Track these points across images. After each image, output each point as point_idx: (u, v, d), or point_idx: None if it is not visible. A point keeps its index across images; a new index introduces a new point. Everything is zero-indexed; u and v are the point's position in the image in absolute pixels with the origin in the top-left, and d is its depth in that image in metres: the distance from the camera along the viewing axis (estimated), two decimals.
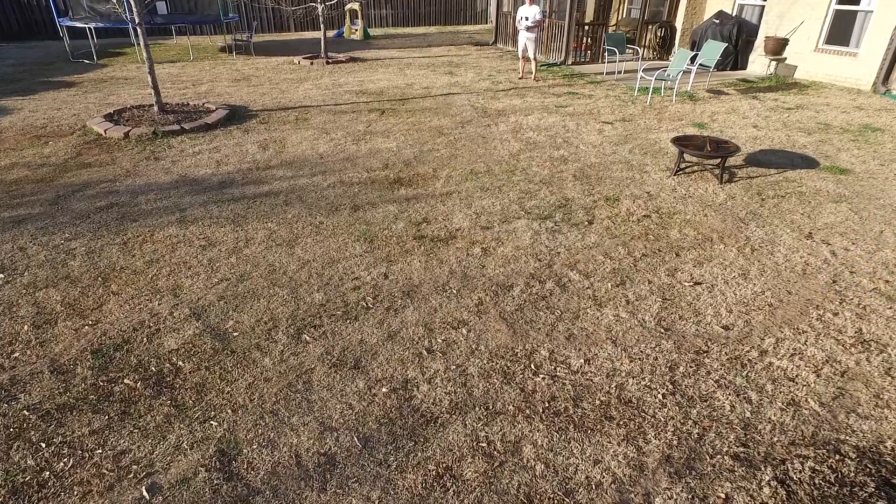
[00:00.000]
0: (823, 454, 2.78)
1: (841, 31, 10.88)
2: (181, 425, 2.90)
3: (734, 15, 12.76)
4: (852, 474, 2.68)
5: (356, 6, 18.28)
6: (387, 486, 2.59)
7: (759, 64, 12.22)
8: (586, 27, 14.01)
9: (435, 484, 2.61)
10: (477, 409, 3.05)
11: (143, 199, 5.65)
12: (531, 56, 11.33)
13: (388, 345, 3.55)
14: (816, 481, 2.64)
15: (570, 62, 13.42)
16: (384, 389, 3.18)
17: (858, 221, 5.27)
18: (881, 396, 3.15)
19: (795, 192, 5.92)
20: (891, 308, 3.94)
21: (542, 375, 3.30)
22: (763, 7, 12.22)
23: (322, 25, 13.35)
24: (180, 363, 3.35)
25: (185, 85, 10.96)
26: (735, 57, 12.48)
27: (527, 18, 10.84)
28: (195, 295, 4.03)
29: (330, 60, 13.45)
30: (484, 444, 2.82)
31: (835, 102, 9.67)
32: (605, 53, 12.40)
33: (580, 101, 9.89)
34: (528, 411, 3.04)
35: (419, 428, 2.92)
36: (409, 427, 2.92)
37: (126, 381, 3.20)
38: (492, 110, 9.20)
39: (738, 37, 12.24)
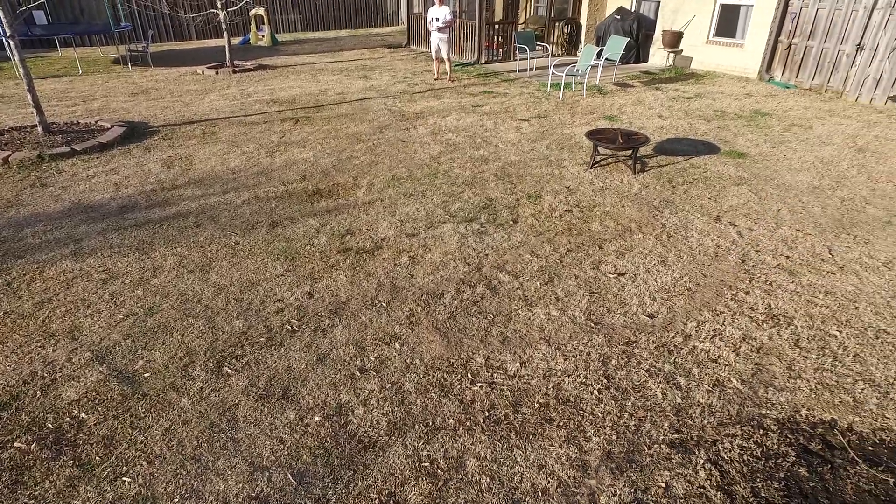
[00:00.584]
0: (749, 431, 2.90)
1: (728, 24, 11.66)
2: (88, 487, 2.59)
3: (633, 10, 13.37)
4: (775, 446, 2.81)
5: (261, 11, 17.60)
6: None
7: (659, 56, 12.89)
8: (496, 26, 14.23)
9: None
10: (416, 427, 2.94)
11: (30, 231, 5.10)
12: (445, 56, 11.34)
13: (317, 369, 3.37)
14: (745, 458, 2.74)
15: (483, 61, 13.57)
16: (317, 418, 3.01)
17: (758, 202, 5.62)
18: (793, 368, 3.34)
19: (702, 178, 6.25)
20: (793, 282, 4.21)
21: (479, 384, 3.24)
22: (659, 2, 12.89)
23: (226, 32, 12.72)
24: (83, 415, 3.01)
25: (75, 102, 10.08)
26: (637, 50, 13.09)
27: (438, 19, 10.84)
28: (97, 336, 3.65)
29: (237, 69, 12.85)
30: (427, 464, 2.73)
31: (728, 90, 10.35)
32: (517, 51, 12.63)
33: (496, 99, 9.99)
34: (468, 423, 2.97)
35: (357, 455, 2.78)
36: (347, 455, 2.77)
37: (17, 444, 2.83)
38: (410, 113, 9.10)
39: (639, 31, 12.84)
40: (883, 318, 3.78)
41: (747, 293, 4.08)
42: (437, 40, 11.15)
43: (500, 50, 14.13)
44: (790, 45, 10.35)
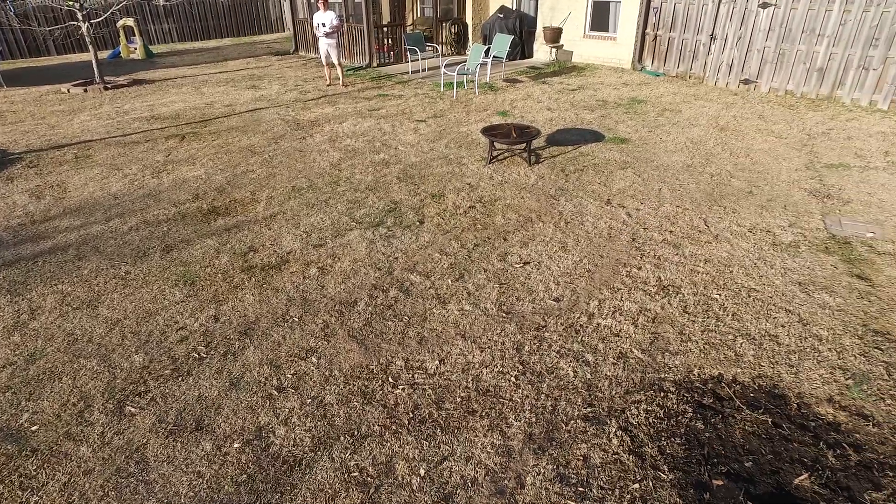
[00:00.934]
0: (651, 395, 3.16)
1: (601, 19, 12.47)
2: None
3: (515, 9, 13.93)
4: (675, 406, 3.08)
5: (131, 22, 16.40)
6: None
7: (542, 52, 13.52)
8: (385, 29, 14.25)
9: None
10: (342, 438, 2.92)
11: None
12: (335, 62, 11.19)
13: (231, 394, 3.24)
14: (651, 420, 2.99)
15: (375, 64, 13.54)
16: (236, 445, 2.89)
17: (642, 183, 6.09)
18: (684, 332, 3.67)
19: (591, 165, 6.66)
20: (677, 254, 4.62)
21: (401, 387, 3.27)
22: (538, 0, 13.51)
23: (91, 46, 11.72)
24: None
25: None
26: (522, 47, 13.66)
27: (324, 24, 10.67)
28: None
29: (108, 86, 11.90)
30: (356, 474, 2.71)
31: (607, 81, 11.08)
32: (408, 53, 12.73)
33: (392, 102, 10.02)
34: (394, 427, 2.98)
35: (283, 476, 2.71)
36: (272, 478, 2.69)
37: None
38: (304, 122, 8.91)
39: (522, 28, 13.40)
40: (752, 279, 4.25)
41: (639, 269, 4.42)
42: (326, 46, 10.98)
43: (391, 52, 14.17)
44: (656, 37, 11.27)
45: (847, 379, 3.23)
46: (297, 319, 3.91)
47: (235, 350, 3.61)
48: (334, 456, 2.81)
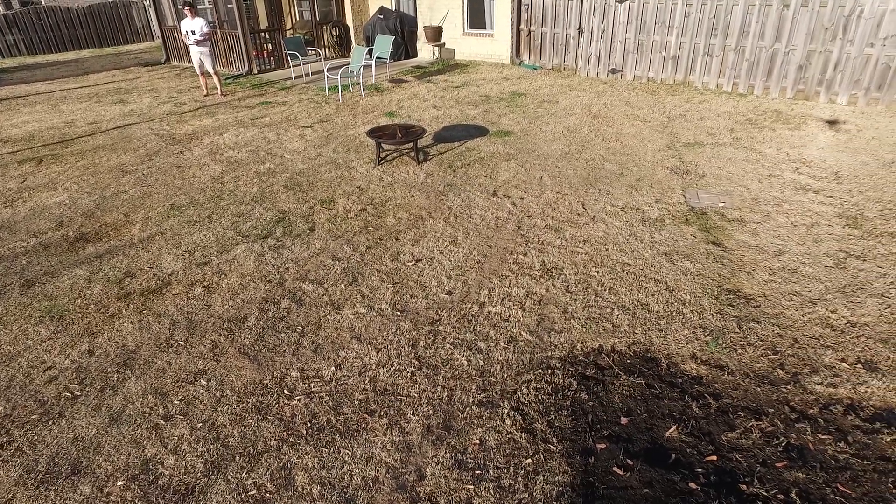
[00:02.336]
0: (540, 373, 3.35)
1: (478, 16, 12.87)
2: None
3: (394, 9, 14.00)
4: (561, 380, 3.29)
5: None
6: None
7: (426, 51, 13.72)
8: (263, 34, 13.77)
9: None
10: (237, 459, 2.83)
11: None
12: (210, 70, 10.66)
13: (112, 430, 3.03)
14: (540, 397, 3.17)
15: (255, 71, 13.06)
16: (120, 483, 2.72)
17: (525, 173, 6.39)
18: (567, 311, 3.92)
19: (477, 159, 6.88)
20: (559, 238, 4.91)
21: (297, 397, 3.22)
22: (416, 0, 13.67)
23: None
24: None
25: None
26: (405, 47, 13.77)
27: (193, 32, 10.13)
28: None
29: None
30: (254, 492, 2.65)
31: (488, 76, 11.47)
32: (289, 58, 12.40)
33: (275, 109, 9.73)
34: (291, 439, 2.94)
35: None
36: None
37: None
38: (181, 135, 8.42)
39: (403, 28, 13.50)
40: (625, 254, 4.61)
41: (525, 255, 4.65)
42: (198, 54, 10.43)
43: (272, 58, 13.73)
44: (530, 32, 11.82)
45: (706, 336, 3.62)
46: (182, 343, 3.72)
47: (115, 383, 3.38)
48: (230, 477, 2.72)
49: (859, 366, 3.32)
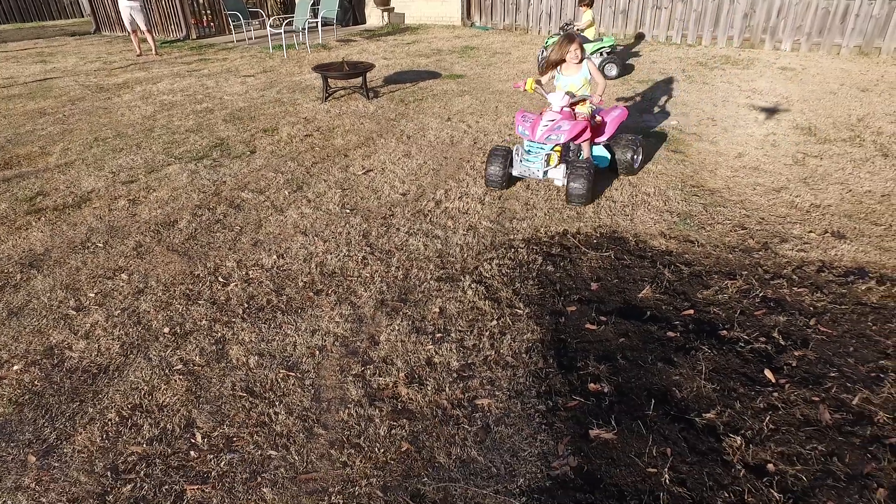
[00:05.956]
0: (503, 252, 3.10)
1: None
2: None
3: None
4: (525, 256, 3.05)
5: None
6: (41, 464, 1.86)
7: (375, 16, 13.33)
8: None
9: (128, 419, 1.99)
10: (160, 339, 2.46)
11: None
12: (143, 28, 9.96)
13: (11, 322, 2.60)
14: (503, 270, 2.92)
15: (194, 36, 12.34)
16: (17, 367, 2.30)
17: (480, 104, 6.15)
18: (528, 204, 3.68)
19: (430, 95, 6.59)
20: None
21: (233, 283, 2.86)
22: None
23: None
24: None
25: None
26: (353, 12, 13.33)
27: None
28: None
29: None
30: (179, 367, 2.28)
31: (440, 36, 11.19)
32: (230, 23, 11.76)
33: (215, 64, 9.16)
34: (225, 318, 2.58)
35: (84, 386, 2.20)
36: (69, 390, 2.18)
37: None
38: (110, 85, 7.77)
39: None
40: None
41: (482, 162, 4.40)
42: (128, 9, 9.72)
43: (213, 25, 13.03)
44: None
45: (674, 218, 3.45)
46: (100, 245, 3.28)
47: (17, 282, 2.93)
48: (151, 356, 2.35)
49: (828, 235, 3.22)
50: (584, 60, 3.69)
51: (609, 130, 3.80)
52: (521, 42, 10.17)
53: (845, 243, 3.13)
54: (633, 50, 9.01)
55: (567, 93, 3.60)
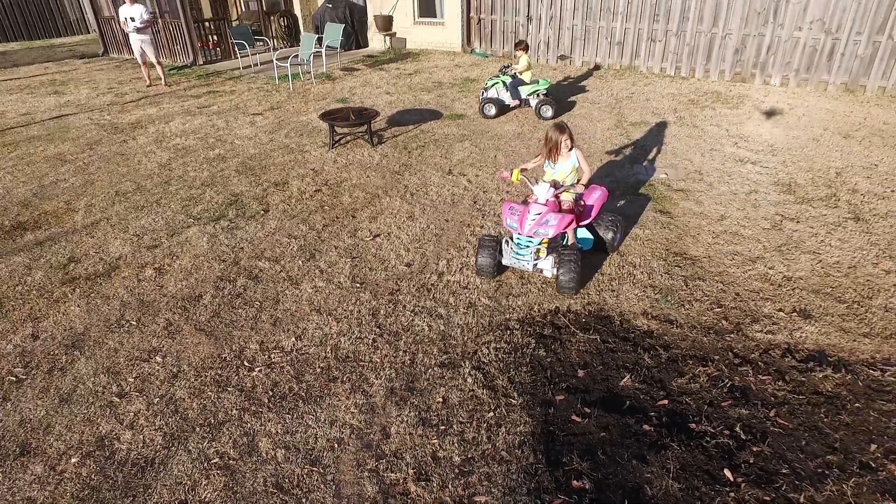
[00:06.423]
0: (499, 334, 3.43)
1: (428, 5, 12.86)
2: None
3: None
4: (520, 339, 3.37)
5: None
6: None
7: (377, 40, 13.63)
8: (208, 24, 13.35)
9: None
10: (197, 430, 2.79)
11: None
12: (153, 60, 10.28)
13: (63, 410, 2.93)
14: (500, 356, 3.25)
15: (200, 62, 12.65)
16: (74, 460, 2.63)
17: (479, 152, 6.47)
18: (524, 278, 4.01)
19: (432, 141, 6.91)
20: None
21: (258, 369, 3.19)
22: None
23: None
24: None
25: None
26: (356, 36, 13.63)
27: (132, 19, 9.73)
28: None
29: None
30: (216, 460, 2.61)
31: (441, 64, 11.50)
32: (236, 49, 12.08)
33: (224, 98, 9.48)
34: (253, 407, 2.92)
35: (134, 479, 2.53)
36: (122, 484, 2.50)
37: None
38: (124, 125, 8.10)
39: (353, 17, 13.36)
40: None
41: (482, 227, 4.72)
42: (139, 42, 10.03)
43: (219, 49, 13.33)
44: (479, 20, 11.92)
45: (656, 294, 3.78)
46: (134, 323, 3.62)
47: (63, 365, 3.26)
48: (191, 448, 2.68)
49: (795, 314, 3.54)
50: (574, 148, 3.99)
51: (593, 213, 4.10)
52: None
53: (810, 324, 3.45)
54: (628, 83, 9.31)
55: (552, 183, 3.88)
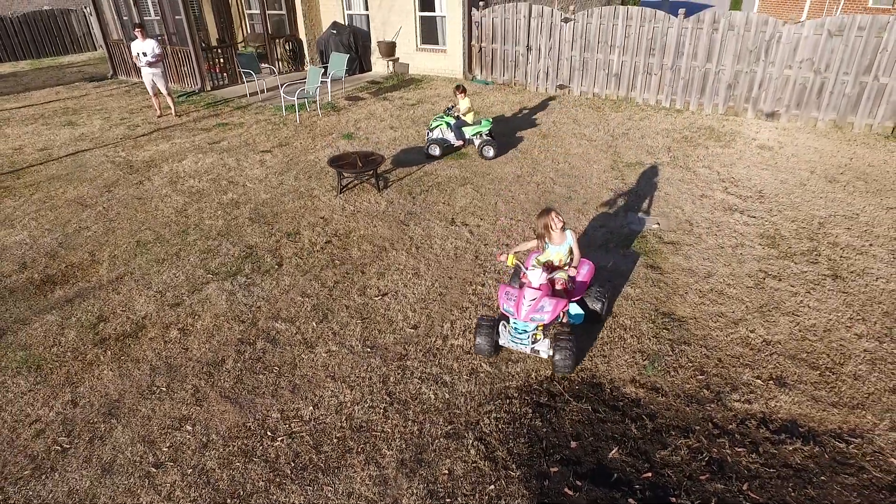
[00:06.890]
0: (499, 403, 3.75)
1: (430, 33, 13.19)
2: None
3: (347, 24, 14.16)
4: (518, 409, 3.69)
5: None
6: None
7: (380, 65, 13.95)
8: (215, 49, 13.68)
9: None
10: (229, 502, 3.10)
11: None
12: (163, 91, 10.61)
13: (105, 481, 3.25)
14: (500, 427, 3.56)
15: (208, 88, 12.98)
16: None
17: (480, 198, 6.79)
18: None
19: (435, 185, 7.23)
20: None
21: (280, 438, 3.51)
22: (369, 16, 13.87)
23: None
24: None
25: None
26: (360, 61, 13.96)
27: (145, 54, 10.06)
28: None
29: None
30: None
31: (442, 92, 11.81)
32: (243, 75, 12.40)
33: (233, 132, 9.80)
34: (277, 479, 3.23)
35: None
36: None
37: None
38: (139, 163, 8.43)
39: (357, 43, 13.69)
40: None
41: (483, 285, 5.04)
42: (151, 76, 10.36)
43: (225, 73, 13.67)
44: (481, 49, 12.23)
45: (644, 360, 4.09)
46: (164, 389, 3.94)
47: (102, 433, 3.58)
48: None
49: (771, 382, 3.86)
50: (566, 228, 4.28)
51: (583, 288, 4.39)
52: (519, 103, 10.79)
53: (785, 392, 3.76)
54: (625, 116, 9.61)
55: (545, 267, 4.17)
